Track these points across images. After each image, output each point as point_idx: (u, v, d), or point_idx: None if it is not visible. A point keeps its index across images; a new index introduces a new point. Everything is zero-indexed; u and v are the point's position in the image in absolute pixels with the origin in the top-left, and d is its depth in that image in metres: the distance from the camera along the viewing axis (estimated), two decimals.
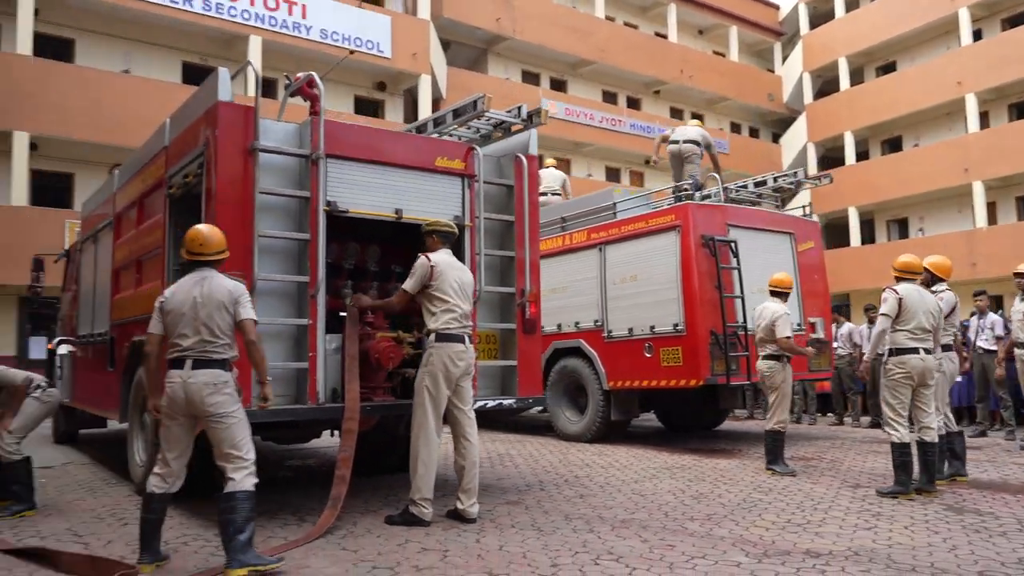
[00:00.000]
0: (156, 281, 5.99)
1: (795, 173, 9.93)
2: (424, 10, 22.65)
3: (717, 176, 9.78)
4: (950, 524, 4.81)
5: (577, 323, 9.65)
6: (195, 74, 19.89)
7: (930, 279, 6.29)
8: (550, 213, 10.63)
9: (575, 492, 6.07)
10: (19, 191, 16.19)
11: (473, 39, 25.93)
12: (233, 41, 19.59)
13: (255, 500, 3.97)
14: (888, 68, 29.96)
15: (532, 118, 6.29)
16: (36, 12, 17.07)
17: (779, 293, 7.10)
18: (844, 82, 30.39)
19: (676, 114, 31.60)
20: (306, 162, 5.24)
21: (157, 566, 3.99)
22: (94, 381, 7.99)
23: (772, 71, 34.54)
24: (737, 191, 10.07)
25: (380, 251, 6.24)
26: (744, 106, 32.82)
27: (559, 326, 9.88)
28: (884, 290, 5.94)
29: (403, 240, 6.06)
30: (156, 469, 4.11)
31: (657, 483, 6.44)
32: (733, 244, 8.56)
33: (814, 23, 32.49)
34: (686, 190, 9.40)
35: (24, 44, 16.58)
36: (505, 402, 5.96)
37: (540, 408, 9.66)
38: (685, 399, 10.05)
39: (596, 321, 9.39)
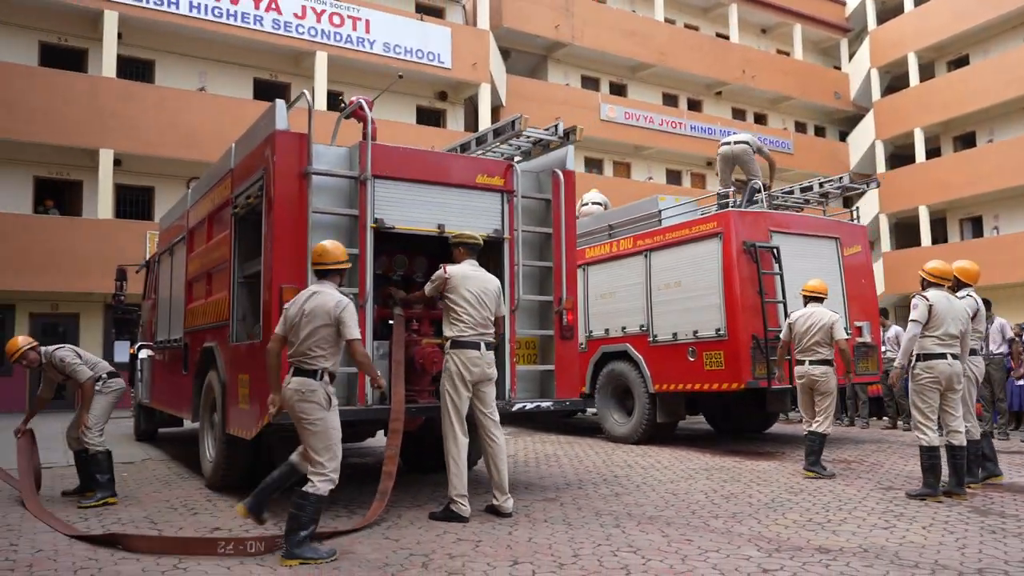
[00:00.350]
0: (224, 292, 6.55)
1: (840, 178, 9.98)
2: (484, 21, 23.15)
3: (763, 182, 9.90)
4: (968, 525, 4.94)
5: (624, 328, 9.92)
6: (266, 89, 20.84)
7: (956, 284, 6.36)
8: (597, 221, 10.96)
9: (611, 491, 6.37)
10: (105, 205, 17.29)
11: (533, 46, 26.31)
12: (301, 57, 20.44)
13: (324, 504, 4.43)
14: (960, 62, 29.12)
15: (568, 135, 6.62)
16: (119, 36, 18.17)
17: (816, 298, 7.25)
18: (914, 78, 29.69)
19: (738, 115, 31.38)
20: (355, 183, 5.70)
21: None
22: (170, 383, 8.66)
23: (839, 68, 33.92)
24: (783, 197, 10.17)
25: (427, 263, 6.66)
26: (809, 105, 32.33)
27: (607, 331, 10.18)
28: (913, 296, 6.07)
29: (449, 252, 6.48)
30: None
31: (692, 483, 6.69)
32: (775, 250, 8.71)
33: (882, 18, 31.82)
34: (736, 194, 9.53)
35: (109, 67, 17.69)
36: (543, 404, 6.31)
37: (585, 410, 9.91)
38: (732, 402, 10.22)
39: (642, 326, 9.64)
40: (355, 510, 5.62)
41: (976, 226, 28.04)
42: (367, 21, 20.83)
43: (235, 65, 20.25)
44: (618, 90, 28.43)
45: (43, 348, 6.27)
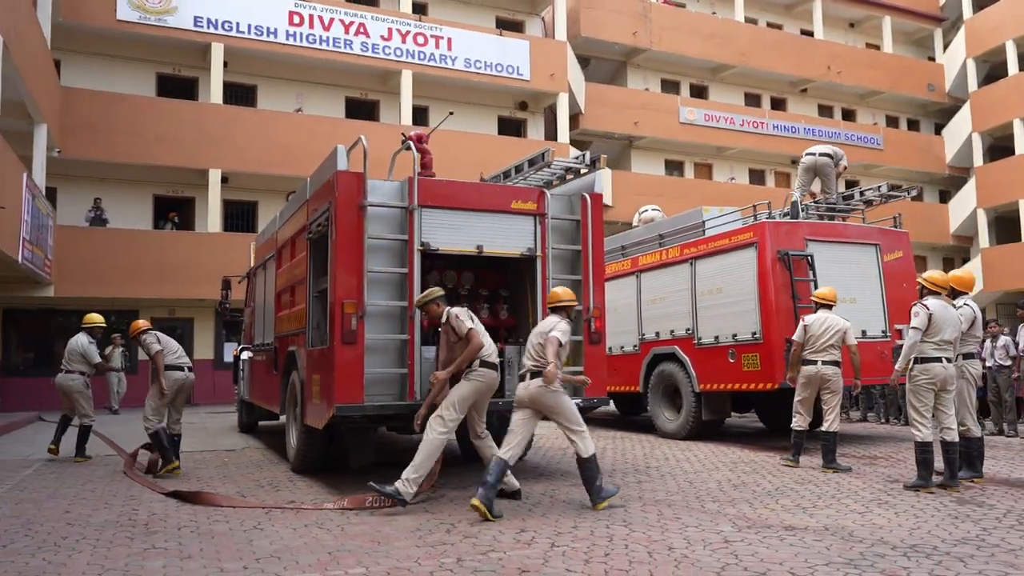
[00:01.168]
0: (302, 304, 7.70)
1: (879, 187, 10.34)
2: (561, 32, 23.97)
3: (822, 192, 10.43)
4: (939, 512, 5.49)
5: (672, 331, 10.60)
6: (356, 108, 22.39)
7: (952, 293, 6.81)
8: (650, 230, 11.69)
9: (636, 479, 7.15)
10: (214, 219, 19.10)
11: (612, 53, 26.94)
12: (388, 76, 21.84)
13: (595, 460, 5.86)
14: None
15: (595, 163, 7.42)
16: (225, 64, 19.98)
17: (826, 305, 7.77)
18: (1012, 66, 28.73)
19: (825, 111, 31.06)
20: (405, 212, 6.70)
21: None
22: (264, 381, 9.94)
23: (933, 60, 32.99)
24: (818, 204, 10.59)
25: (472, 276, 7.62)
26: (901, 98, 31.62)
27: (657, 333, 10.89)
28: (914, 305, 6.58)
29: (488, 267, 7.44)
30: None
31: (712, 474, 7.39)
32: (809, 258, 9.24)
33: (977, 6, 30.82)
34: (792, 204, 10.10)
35: (216, 94, 19.51)
36: (575, 402, 7.12)
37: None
38: (782, 401, 10.72)
39: (688, 329, 10.30)
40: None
41: None
42: (449, 39, 22.03)
43: (328, 86, 21.83)
44: (699, 92, 28.69)
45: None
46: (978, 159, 30.11)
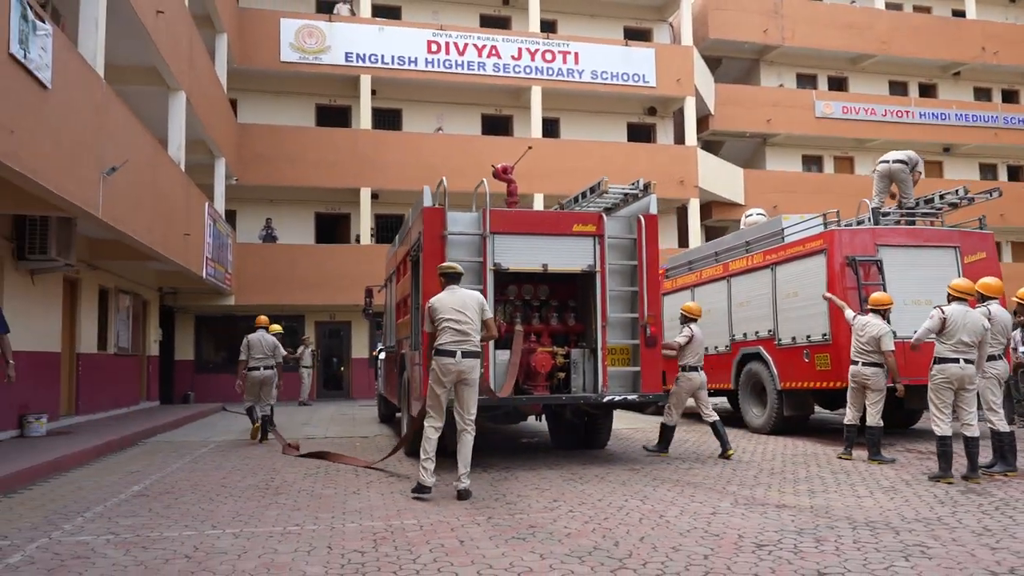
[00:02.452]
0: (408, 315, 9.23)
1: (956, 191, 10.50)
2: (687, 37, 24.49)
3: (900, 198, 10.79)
4: (936, 499, 6.10)
5: (757, 332, 11.28)
6: (492, 123, 24.07)
7: (980, 297, 7.25)
8: (738, 238, 12.39)
9: (688, 465, 8.11)
10: (365, 232, 21.40)
11: (743, 52, 27.06)
12: (519, 92, 23.35)
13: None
14: None
15: (647, 188, 8.42)
16: (373, 92, 22.27)
17: (877, 311, 8.32)
18: None
19: (982, 95, 29.47)
20: (481, 238, 8.04)
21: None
22: (391, 378, 11.63)
23: None
24: (888, 211, 10.85)
25: (548, 289, 8.84)
26: None
27: (744, 335, 11.60)
28: (934, 307, 7.14)
29: (561, 282, 8.66)
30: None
31: (762, 464, 8.19)
32: (879, 263, 9.70)
33: None
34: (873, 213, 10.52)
35: (366, 120, 21.81)
36: (629, 397, 8.21)
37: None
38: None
39: (770, 330, 10.96)
40: (497, 468, 7.95)
41: None
42: (576, 53, 23.21)
43: (465, 105, 23.65)
44: (838, 84, 28.15)
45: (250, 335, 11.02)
46: None
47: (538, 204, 21.75)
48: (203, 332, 21.41)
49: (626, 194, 8.71)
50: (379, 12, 23.24)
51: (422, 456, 6.47)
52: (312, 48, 21.32)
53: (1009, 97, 29.72)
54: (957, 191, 10.59)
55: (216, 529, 5.41)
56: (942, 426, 6.94)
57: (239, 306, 20.19)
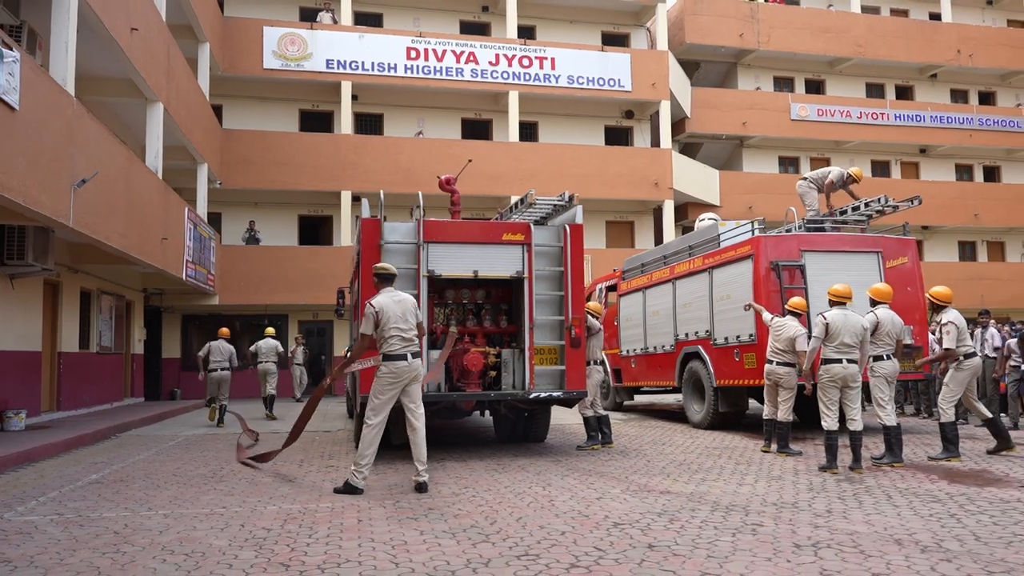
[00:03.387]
0: (358, 320, 9.87)
1: (879, 199, 11.11)
2: (663, 42, 25.08)
3: (816, 209, 11.47)
4: (805, 485, 6.73)
5: (696, 332, 11.91)
6: (471, 127, 24.71)
7: (871, 302, 7.93)
8: (683, 243, 13.02)
9: (609, 456, 8.74)
10: (346, 234, 22.06)
11: (720, 56, 27.65)
12: (498, 97, 23.97)
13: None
14: None
15: (571, 200, 9.05)
16: (355, 97, 22.94)
17: (794, 313, 8.92)
18: None
19: (959, 96, 30.02)
20: (416, 247, 8.68)
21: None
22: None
23: None
24: (826, 217, 11.53)
25: (485, 294, 9.48)
26: None
27: (686, 335, 12.23)
28: (817, 315, 7.77)
29: (498, 287, 9.30)
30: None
31: (679, 456, 8.82)
32: (801, 268, 10.31)
33: None
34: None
35: (347, 125, 22.48)
36: (554, 394, 8.85)
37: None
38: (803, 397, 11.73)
39: (707, 331, 11.59)
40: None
41: None
42: (552, 59, 23.83)
43: (445, 109, 24.31)
44: (816, 87, 28.71)
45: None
46: None
47: None
48: (189, 331, 22.10)
49: (554, 206, 9.34)
50: (361, 19, 23.89)
51: (359, 459, 6.64)
52: (294, 55, 21.97)
53: (985, 99, 30.25)
54: (880, 199, 11.18)
55: (151, 511, 6.07)
56: (829, 421, 7.57)
57: (224, 306, 20.89)
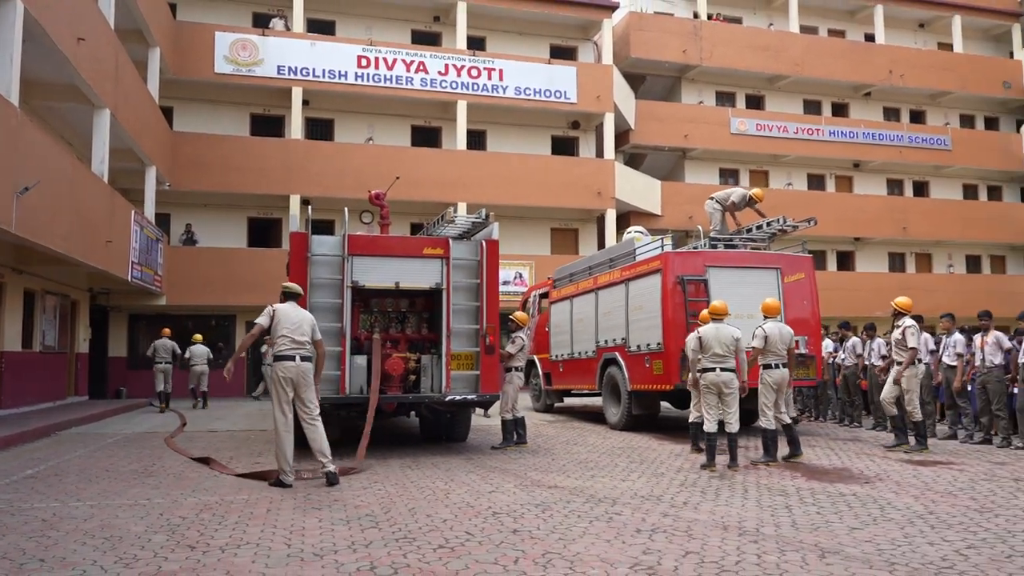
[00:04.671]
0: None
1: (779, 220, 12.02)
2: (608, 56, 25.97)
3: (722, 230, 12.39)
4: (682, 481, 7.52)
5: (614, 340, 12.72)
6: (422, 134, 25.32)
7: (765, 316, 8.84)
8: (606, 253, 13.83)
9: (520, 455, 9.48)
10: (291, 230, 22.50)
11: (665, 70, 28.62)
12: (447, 106, 24.61)
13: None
14: None
15: (488, 218, 9.77)
16: (306, 102, 23.41)
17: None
18: None
19: (891, 115, 31.39)
20: (341, 259, 9.33)
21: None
22: None
23: (1012, 55, 32.45)
24: (734, 235, 12.42)
25: (408, 303, 10.15)
26: (975, 97, 31.48)
27: (606, 341, 13.03)
28: (692, 332, 8.63)
29: (422, 297, 9.98)
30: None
31: (583, 454, 9.60)
32: (705, 282, 11.17)
33: None
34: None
35: (297, 130, 22.96)
36: (469, 396, 9.57)
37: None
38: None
39: (623, 338, 12.40)
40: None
41: None
42: (500, 70, 24.56)
43: (396, 116, 24.88)
44: (756, 102, 29.83)
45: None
46: None
47: (461, 211, 23.01)
48: (136, 330, 22.37)
49: (473, 223, 10.06)
50: (313, 26, 24.37)
51: (280, 456, 7.29)
52: (246, 61, 22.39)
53: (916, 117, 31.68)
54: (779, 220, 12.08)
55: (79, 502, 6.65)
56: (708, 424, 8.39)
57: (172, 306, 21.22)
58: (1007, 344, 10.15)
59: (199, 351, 18.03)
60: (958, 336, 10.77)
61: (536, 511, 6.14)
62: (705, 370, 8.40)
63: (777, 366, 8.82)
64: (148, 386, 20.87)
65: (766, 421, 8.68)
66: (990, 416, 10.38)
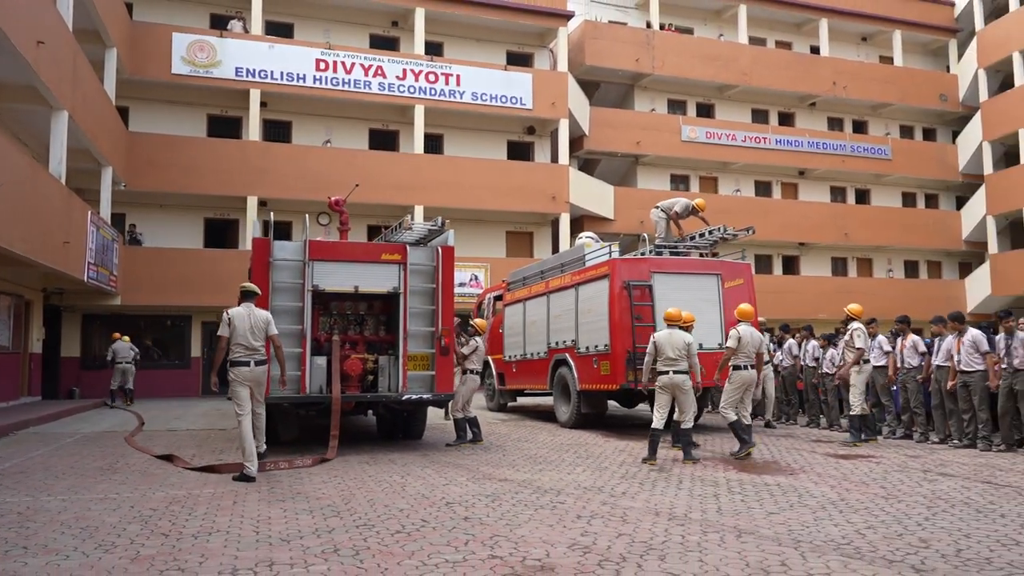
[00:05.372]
0: None
1: (720, 228, 12.71)
2: (563, 64, 26.60)
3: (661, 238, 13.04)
4: (623, 474, 8.09)
5: (565, 341, 13.28)
6: (379, 137, 25.64)
7: (737, 321, 9.50)
8: (560, 258, 14.40)
9: (476, 451, 9.97)
10: (251, 237, 22.65)
11: (618, 78, 29.35)
12: (404, 110, 24.97)
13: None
14: None
15: (443, 225, 10.24)
16: (264, 105, 23.57)
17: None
18: (1020, 77, 29.64)
19: (835, 124, 32.57)
20: (302, 264, 9.71)
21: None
22: None
23: (948, 70, 33.93)
24: (678, 243, 13.08)
25: (367, 306, 10.57)
26: (914, 109, 32.80)
27: (557, 343, 13.58)
28: (651, 334, 9.21)
29: (381, 300, 10.40)
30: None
31: (537, 451, 10.12)
32: (650, 287, 11.79)
33: (989, 18, 31.74)
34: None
35: (255, 132, 23.11)
36: (424, 396, 10.03)
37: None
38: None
39: (573, 340, 12.97)
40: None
41: None
42: (457, 76, 25.02)
43: (354, 119, 25.17)
44: (706, 110, 30.73)
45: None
46: (988, 167, 31.03)
47: (419, 216, 23.40)
48: (90, 330, 22.31)
49: (429, 230, 10.52)
50: (272, 29, 24.53)
51: (243, 451, 7.80)
52: (203, 62, 22.48)
53: (858, 127, 32.95)
54: (721, 228, 12.77)
55: (50, 497, 6.96)
56: (656, 420, 8.97)
57: (127, 306, 21.23)
58: (922, 348, 10.95)
59: (122, 348, 18.55)
60: (881, 337, 11.56)
61: (486, 501, 6.64)
62: (660, 372, 8.98)
63: (746, 367, 9.44)
64: (101, 387, 20.90)
65: (729, 415, 9.31)
66: (910, 413, 11.17)
